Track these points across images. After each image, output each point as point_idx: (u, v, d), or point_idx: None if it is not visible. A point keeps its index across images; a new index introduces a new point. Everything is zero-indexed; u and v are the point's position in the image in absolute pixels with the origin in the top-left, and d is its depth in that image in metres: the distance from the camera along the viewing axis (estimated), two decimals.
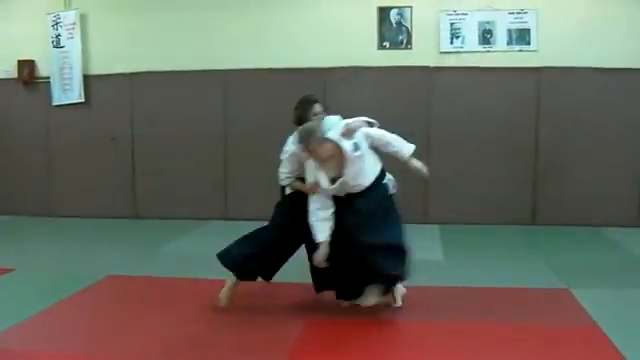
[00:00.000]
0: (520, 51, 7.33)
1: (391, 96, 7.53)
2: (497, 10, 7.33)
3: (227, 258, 4.36)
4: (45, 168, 8.34)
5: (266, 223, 4.47)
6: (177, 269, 5.49)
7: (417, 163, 4.16)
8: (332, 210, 4.02)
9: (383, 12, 7.53)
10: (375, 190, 4.07)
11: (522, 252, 6.24)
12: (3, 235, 7.27)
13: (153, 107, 8.03)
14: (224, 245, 4.44)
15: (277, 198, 4.50)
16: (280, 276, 4.46)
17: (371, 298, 4.06)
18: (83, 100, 8.10)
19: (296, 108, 4.40)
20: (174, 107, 7.98)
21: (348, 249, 3.99)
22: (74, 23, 8.00)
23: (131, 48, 7.97)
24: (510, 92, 7.39)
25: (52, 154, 8.32)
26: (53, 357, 3.60)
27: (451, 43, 7.44)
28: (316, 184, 4.02)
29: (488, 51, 7.39)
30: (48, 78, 8.19)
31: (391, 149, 4.14)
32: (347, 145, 3.93)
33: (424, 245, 6.48)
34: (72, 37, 8.03)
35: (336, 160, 3.95)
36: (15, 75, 8.20)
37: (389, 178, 4.23)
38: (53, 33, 8.09)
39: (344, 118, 4.20)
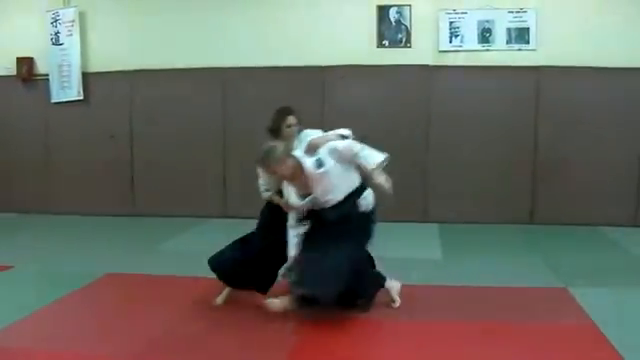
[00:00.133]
0: (519, 50, 7.33)
1: (390, 95, 7.53)
2: (496, 9, 7.32)
3: (213, 262, 4.39)
4: (44, 166, 8.33)
5: None
6: (176, 267, 5.48)
7: (380, 177, 3.93)
8: (303, 230, 4.02)
9: (382, 10, 7.52)
10: (347, 203, 3.96)
11: (521, 251, 6.25)
12: (2, 232, 7.26)
13: (152, 105, 8.02)
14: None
15: None
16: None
17: (278, 303, 3.94)
18: (82, 98, 8.10)
19: (272, 118, 4.39)
20: (173, 105, 7.97)
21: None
22: (73, 20, 7.99)
23: (130, 46, 7.97)
24: (509, 91, 7.39)
25: (51, 152, 8.31)
26: (52, 355, 3.60)
27: (450, 42, 7.44)
28: (287, 201, 4.04)
29: (487, 50, 7.39)
30: (47, 75, 8.19)
31: (358, 161, 3.96)
32: (308, 163, 3.86)
33: (423, 244, 6.52)
34: (71, 34, 8.02)
35: (301, 178, 3.89)
36: (14, 72, 8.19)
37: (369, 193, 4.09)
38: (52, 30, 8.07)
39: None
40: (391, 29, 7.55)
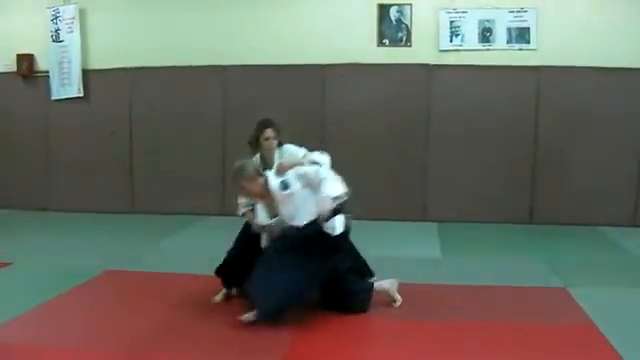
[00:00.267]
0: (520, 50, 7.33)
1: (390, 93, 7.53)
2: (497, 8, 7.32)
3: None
4: (43, 162, 8.33)
5: None
6: (175, 264, 5.49)
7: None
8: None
9: (383, 9, 7.52)
10: (311, 225, 3.91)
11: (520, 251, 6.25)
12: (1, 229, 7.25)
13: (152, 102, 8.01)
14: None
15: None
16: None
17: (252, 317, 3.94)
18: (82, 95, 8.09)
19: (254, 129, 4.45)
20: (173, 102, 7.97)
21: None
22: (73, 17, 7.98)
23: (130, 43, 7.96)
24: (509, 91, 7.39)
25: (51, 148, 8.30)
26: (51, 352, 3.60)
27: (451, 41, 7.44)
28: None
29: (488, 49, 7.39)
30: (47, 72, 8.18)
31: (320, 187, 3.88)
32: (274, 183, 3.91)
33: (422, 242, 6.52)
34: (71, 31, 8.01)
35: (269, 197, 3.96)
36: (14, 69, 8.19)
37: (338, 219, 3.97)
38: (52, 27, 8.07)
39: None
40: (391, 28, 7.54)
